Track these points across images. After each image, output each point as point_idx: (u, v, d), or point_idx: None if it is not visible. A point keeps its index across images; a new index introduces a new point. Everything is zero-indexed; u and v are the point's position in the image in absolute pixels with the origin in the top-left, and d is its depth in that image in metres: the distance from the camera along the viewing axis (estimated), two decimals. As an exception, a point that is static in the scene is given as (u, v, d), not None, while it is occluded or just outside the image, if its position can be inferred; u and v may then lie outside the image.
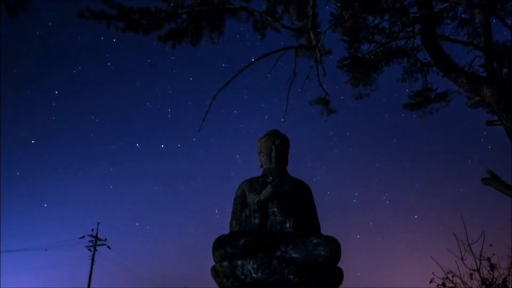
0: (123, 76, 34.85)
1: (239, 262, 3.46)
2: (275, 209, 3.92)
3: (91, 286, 22.74)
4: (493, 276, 7.16)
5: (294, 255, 3.52)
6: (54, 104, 32.55)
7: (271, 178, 4.15)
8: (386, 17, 9.61)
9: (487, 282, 7.13)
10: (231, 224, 4.05)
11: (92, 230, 24.21)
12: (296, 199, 4.02)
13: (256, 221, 3.88)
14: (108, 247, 24.17)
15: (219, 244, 3.63)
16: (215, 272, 3.60)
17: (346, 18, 8.92)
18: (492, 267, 7.18)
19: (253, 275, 3.40)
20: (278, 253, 3.55)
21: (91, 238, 24.05)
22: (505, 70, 8.57)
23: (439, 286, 7.42)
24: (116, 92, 34.58)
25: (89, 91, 34.85)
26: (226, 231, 4.01)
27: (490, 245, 7.20)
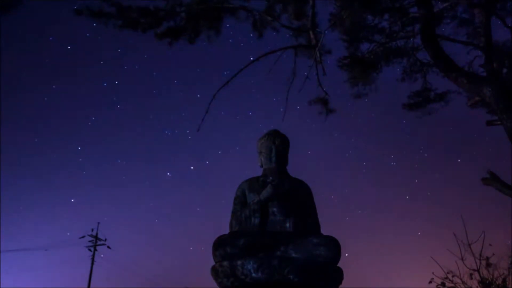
0: (135, 113, 35.27)
1: (239, 262, 3.45)
2: (275, 209, 3.91)
3: (91, 286, 22.73)
4: (492, 276, 7.17)
5: (294, 255, 3.51)
6: (80, 160, 32.90)
7: (271, 178, 4.13)
8: (386, 17, 9.60)
9: (487, 282, 7.13)
10: (231, 224, 4.03)
11: (92, 230, 24.21)
12: (296, 199, 4.00)
13: (256, 221, 3.87)
14: (108, 247, 24.16)
15: (219, 244, 3.62)
16: (215, 272, 3.59)
17: (346, 17, 8.91)
18: (488, 265, 7.19)
19: (253, 275, 3.39)
20: (278, 253, 3.53)
21: (91, 238, 24.04)
22: (505, 70, 8.57)
23: (439, 286, 7.42)
24: (133, 131, 34.82)
25: (108, 137, 35.32)
26: (226, 231, 3.99)
27: (490, 245, 7.22)
